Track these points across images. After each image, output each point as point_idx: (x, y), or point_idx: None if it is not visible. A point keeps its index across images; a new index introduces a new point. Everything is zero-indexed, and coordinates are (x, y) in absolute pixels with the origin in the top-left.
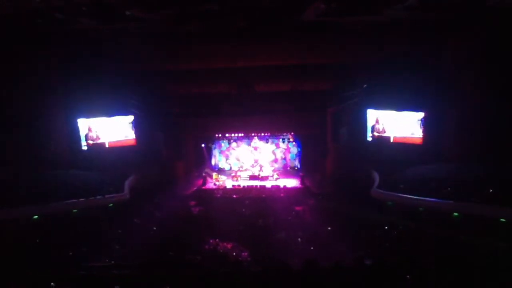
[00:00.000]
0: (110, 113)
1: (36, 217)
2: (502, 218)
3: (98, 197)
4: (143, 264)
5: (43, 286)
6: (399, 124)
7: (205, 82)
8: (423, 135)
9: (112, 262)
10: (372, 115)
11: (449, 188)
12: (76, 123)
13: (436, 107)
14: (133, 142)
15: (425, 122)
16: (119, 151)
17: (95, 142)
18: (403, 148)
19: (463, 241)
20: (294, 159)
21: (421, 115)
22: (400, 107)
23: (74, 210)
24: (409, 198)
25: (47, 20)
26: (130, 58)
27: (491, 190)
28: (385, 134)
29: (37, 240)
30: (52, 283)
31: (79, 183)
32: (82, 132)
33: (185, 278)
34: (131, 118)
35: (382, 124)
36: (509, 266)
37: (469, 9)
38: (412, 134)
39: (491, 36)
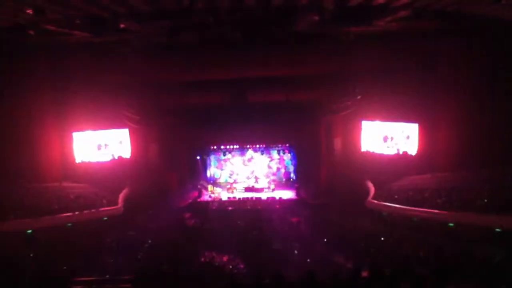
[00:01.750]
0: (105, 127)
1: (30, 231)
2: (497, 228)
3: (92, 210)
4: (137, 278)
5: None
6: (393, 135)
7: (199, 93)
8: (417, 146)
9: (107, 276)
10: (366, 126)
11: (443, 198)
12: (70, 136)
13: (429, 118)
14: (127, 155)
15: (419, 133)
16: (113, 164)
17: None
18: (397, 158)
19: (459, 250)
20: (290, 171)
21: (415, 126)
22: (394, 119)
23: (69, 224)
24: (403, 208)
25: (40, 32)
26: (124, 70)
27: (485, 200)
28: (379, 145)
29: (31, 255)
30: None
31: (72, 196)
32: (77, 146)
33: None
34: (126, 131)
35: (377, 135)
36: (504, 274)
37: (459, 20)
38: (406, 145)
39: (483, 46)
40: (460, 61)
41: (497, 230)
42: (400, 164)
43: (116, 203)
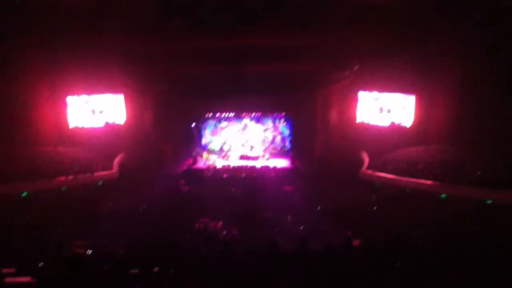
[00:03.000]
0: (100, 91)
1: (25, 194)
2: (488, 200)
3: (87, 174)
4: (131, 244)
5: (32, 265)
6: (390, 107)
7: (196, 62)
8: (413, 118)
9: (102, 239)
10: (363, 97)
11: (436, 170)
12: (64, 101)
13: (426, 90)
14: (121, 122)
15: (415, 105)
16: (107, 130)
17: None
18: (392, 130)
19: (451, 222)
20: (285, 140)
21: (412, 98)
22: (392, 90)
23: (63, 188)
24: (397, 179)
25: None
26: (121, 34)
27: (479, 173)
28: (375, 116)
29: (27, 218)
30: (41, 263)
31: (67, 161)
32: (71, 111)
33: (175, 259)
34: (121, 96)
35: (373, 106)
36: (495, 246)
37: None
38: (402, 116)
39: (480, 18)
40: (458, 33)
41: (488, 202)
42: (395, 135)
43: (111, 169)
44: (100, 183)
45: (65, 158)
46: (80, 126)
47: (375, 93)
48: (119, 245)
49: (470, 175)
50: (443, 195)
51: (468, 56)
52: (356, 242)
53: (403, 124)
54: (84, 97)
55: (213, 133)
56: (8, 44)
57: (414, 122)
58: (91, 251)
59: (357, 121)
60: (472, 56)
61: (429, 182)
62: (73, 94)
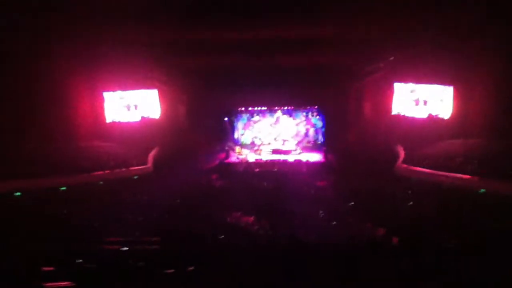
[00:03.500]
0: (135, 87)
1: (63, 188)
2: None
3: (123, 169)
4: (166, 239)
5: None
6: (427, 98)
7: (227, 54)
8: (451, 110)
9: (137, 234)
10: (399, 89)
11: (475, 165)
12: (101, 96)
13: (464, 81)
14: (156, 116)
15: (454, 97)
16: (142, 125)
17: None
18: (429, 123)
19: (488, 222)
20: (318, 133)
21: (450, 89)
22: (429, 81)
23: (100, 182)
24: (433, 173)
25: None
26: (153, 30)
27: None
28: (411, 108)
29: (65, 211)
30: (80, 260)
31: (104, 155)
32: (107, 106)
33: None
34: (155, 92)
35: (409, 98)
36: None
37: None
38: (439, 108)
39: None
40: (495, 24)
41: None
42: (432, 128)
43: (146, 163)
44: (136, 177)
45: (102, 152)
46: (117, 120)
47: (411, 85)
48: (153, 241)
49: (509, 170)
50: (482, 190)
51: (508, 48)
52: (394, 240)
53: (440, 116)
54: (119, 93)
55: (246, 127)
56: (46, 43)
57: (452, 114)
58: (125, 247)
59: (392, 113)
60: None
61: (467, 176)
62: (109, 90)
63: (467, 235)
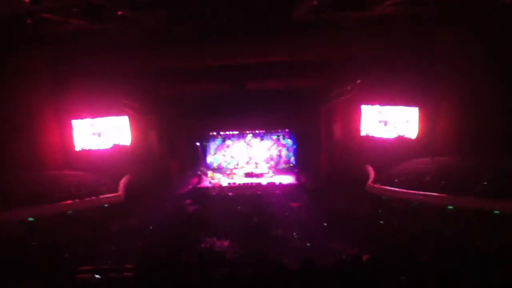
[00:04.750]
0: (104, 114)
1: (31, 219)
2: (496, 210)
3: (93, 197)
4: (139, 267)
5: None
6: (393, 119)
7: (197, 81)
8: (417, 130)
9: (109, 262)
10: (366, 111)
11: (443, 182)
12: (70, 124)
13: (429, 102)
14: (127, 143)
15: (419, 117)
16: (113, 152)
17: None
18: (397, 142)
19: (460, 236)
20: (289, 156)
21: (415, 110)
22: (394, 102)
23: (69, 212)
24: (403, 192)
25: (37, 21)
26: (122, 58)
27: (485, 183)
28: (379, 129)
29: (33, 243)
30: None
31: (73, 184)
32: (76, 133)
33: (183, 281)
34: (125, 118)
35: (376, 119)
36: (504, 260)
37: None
38: (406, 129)
39: (485, 31)
40: (461, 45)
41: (496, 212)
42: (400, 148)
43: (117, 191)
44: (106, 205)
45: (71, 181)
46: (86, 148)
47: (377, 107)
48: (127, 268)
49: (476, 186)
50: (450, 207)
51: (472, 68)
52: (364, 257)
53: (407, 136)
54: (88, 121)
55: (218, 152)
56: (13, 69)
57: (418, 134)
58: (98, 275)
59: (361, 134)
60: (476, 68)
61: (435, 194)
62: (77, 118)
63: (438, 251)
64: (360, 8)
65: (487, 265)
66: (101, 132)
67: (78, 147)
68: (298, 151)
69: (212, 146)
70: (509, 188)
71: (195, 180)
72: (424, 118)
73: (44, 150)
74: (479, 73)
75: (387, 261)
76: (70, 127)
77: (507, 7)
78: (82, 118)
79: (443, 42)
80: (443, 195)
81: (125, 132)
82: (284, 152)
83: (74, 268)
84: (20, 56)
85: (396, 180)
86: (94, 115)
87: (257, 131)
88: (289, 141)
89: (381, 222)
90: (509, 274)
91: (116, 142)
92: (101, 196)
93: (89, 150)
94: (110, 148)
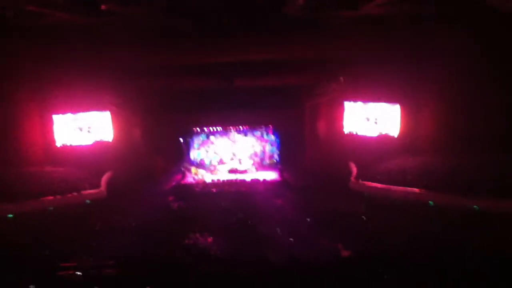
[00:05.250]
0: (86, 109)
1: (11, 215)
2: (474, 206)
3: (75, 193)
4: (121, 263)
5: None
6: (376, 116)
7: (183, 77)
8: (399, 128)
9: (90, 259)
10: (349, 108)
11: (424, 180)
12: (51, 119)
13: (411, 100)
14: (109, 138)
15: (401, 115)
16: (94, 147)
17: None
18: (380, 140)
19: (441, 231)
20: (273, 152)
21: (397, 107)
22: (377, 100)
23: (51, 208)
24: (385, 188)
25: (20, 14)
26: (106, 53)
27: (465, 180)
28: (362, 127)
29: (14, 239)
30: (31, 286)
31: (54, 180)
32: (57, 129)
33: (166, 277)
34: (107, 114)
35: (359, 116)
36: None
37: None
38: (388, 126)
39: (468, 30)
40: (443, 45)
41: (475, 207)
42: (382, 145)
43: (99, 187)
44: (88, 201)
45: (52, 177)
46: (68, 144)
47: (360, 103)
48: (109, 265)
49: (457, 183)
50: (431, 203)
51: (455, 67)
52: (346, 254)
53: (390, 134)
54: (69, 116)
55: (201, 147)
56: None
57: (400, 131)
58: (80, 272)
59: (345, 132)
60: (457, 67)
61: (417, 190)
62: (58, 113)
63: (419, 245)
64: (348, 8)
65: (468, 259)
66: (83, 128)
67: (59, 142)
68: (282, 148)
69: (196, 142)
70: (489, 185)
71: (179, 176)
72: (406, 116)
73: (25, 145)
74: (461, 72)
75: (369, 257)
76: (51, 122)
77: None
78: (63, 113)
79: (427, 41)
80: (424, 191)
81: (107, 127)
82: (268, 147)
83: (56, 264)
84: (1, 49)
85: (378, 177)
86: (75, 110)
87: (241, 128)
88: (272, 137)
89: (364, 218)
90: (489, 267)
91: (98, 138)
92: (83, 192)
93: (71, 146)
94: (92, 144)
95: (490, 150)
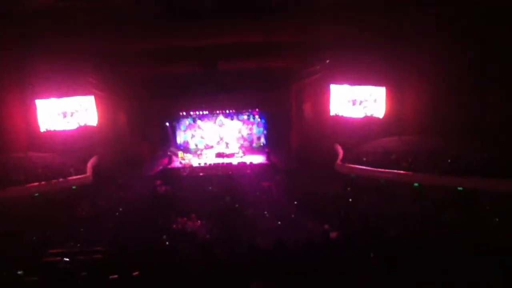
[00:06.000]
0: (69, 94)
1: None
2: (459, 187)
3: (60, 179)
4: (109, 249)
5: (10, 274)
6: (362, 99)
7: (169, 62)
8: (384, 109)
9: (78, 245)
10: (335, 90)
11: (409, 160)
12: (34, 104)
13: (396, 82)
14: (94, 123)
15: (386, 97)
16: (79, 132)
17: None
18: (365, 122)
19: (425, 212)
20: (260, 135)
21: (382, 89)
22: (362, 82)
23: (36, 194)
24: (371, 170)
25: None
26: (89, 37)
27: (449, 161)
28: (348, 109)
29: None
30: (19, 271)
31: (39, 166)
32: (41, 114)
33: (154, 262)
34: (91, 98)
35: (345, 99)
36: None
37: None
38: (374, 108)
39: (452, 14)
40: (428, 28)
41: (459, 189)
42: (368, 127)
43: (84, 172)
44: (74, 187)
45: (37, 163)
46: (51, 129)
47: (346, 86)
48: (96, 250)
49: (441, 164)
50: (416, 184)
51: (439, 48)
52: (333, 235)
53: (375, 116)
54: (53, 100)
55: (188, 132)
56: None
57: (386, 113)
58: (67, 258)
59: (331, 114)
60: (443, 49)
61: (402, 172)
62: (42, 98)
63: (405, 225)
64: None
65: (453, 239)
66: (67, 112)
67: (43, 128)
68: (269, 131)
69: (182, 126)
70: (472, 166)
71: (166, 160)
72: (392, 98)
73: (7, 131)
74: (445, 55)
75: (356, 237)
76: (34, 107)
77: None
78: (46, 97)
79: (411, 24)
80: (409, 173)
81: (92, 112)
82: (254, 132)
83: (43, 251)
84: None
85: (364, 159)
86: (59, 95)
87: (227, 111)
88: (259, 121)
89: (350, 200)
90: (473, 247)
91: (83, 123)
92: (69, 178)
93: (55, 131)
94: (76, 129)
95: (471, 132)
